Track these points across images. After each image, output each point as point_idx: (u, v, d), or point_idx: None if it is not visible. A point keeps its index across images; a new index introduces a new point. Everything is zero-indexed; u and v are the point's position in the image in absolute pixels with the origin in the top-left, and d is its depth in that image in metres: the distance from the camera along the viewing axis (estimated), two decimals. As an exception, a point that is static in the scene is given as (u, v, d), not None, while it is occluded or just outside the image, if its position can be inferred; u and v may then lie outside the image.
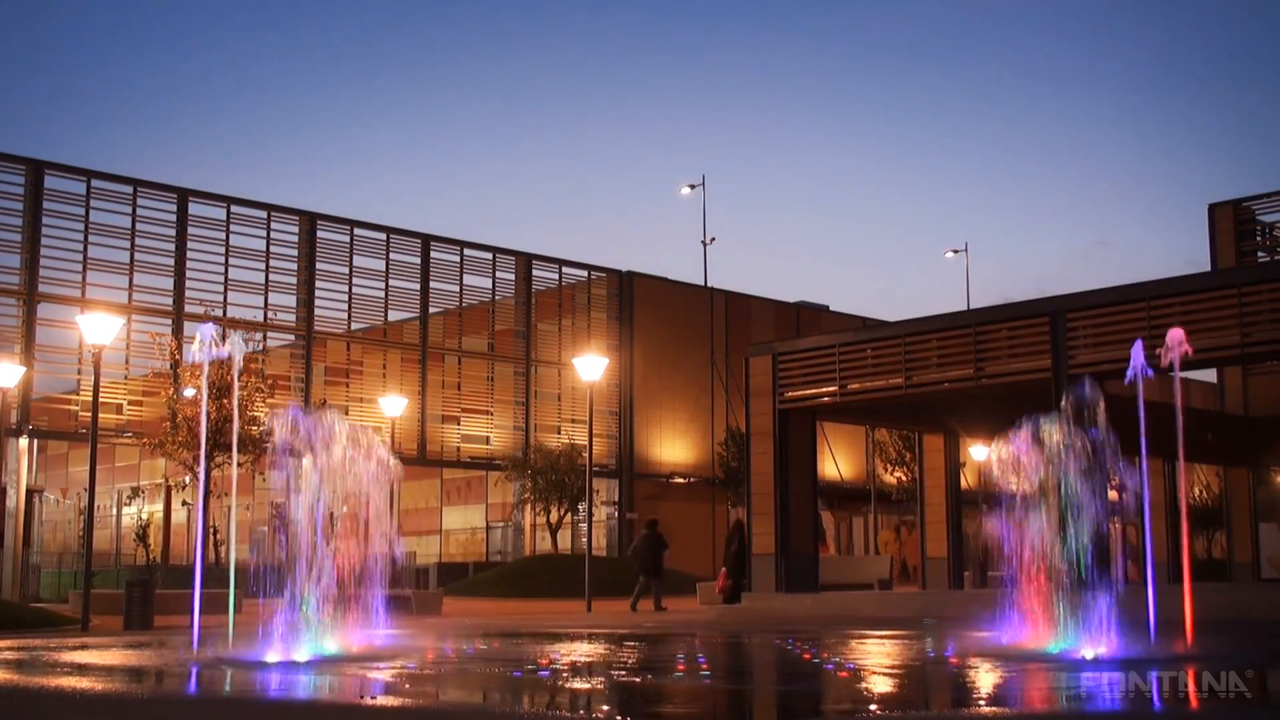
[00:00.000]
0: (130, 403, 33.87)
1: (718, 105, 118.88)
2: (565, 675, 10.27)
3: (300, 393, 35.47)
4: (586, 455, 29.38)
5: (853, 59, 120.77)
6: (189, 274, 34.64)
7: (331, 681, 9.84)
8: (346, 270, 37.73)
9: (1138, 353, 12.53)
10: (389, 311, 39.18)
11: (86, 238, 33.12)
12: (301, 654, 11.13)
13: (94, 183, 33.46)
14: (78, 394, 33.16)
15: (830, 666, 10.92)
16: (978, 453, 34.72)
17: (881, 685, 9.40)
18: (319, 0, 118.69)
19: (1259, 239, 34.79)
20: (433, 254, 39.68)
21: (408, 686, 9.45)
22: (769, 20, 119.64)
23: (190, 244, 34.76)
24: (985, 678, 9.76)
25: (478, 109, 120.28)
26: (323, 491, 11.77)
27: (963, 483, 31.46)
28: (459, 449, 39.94)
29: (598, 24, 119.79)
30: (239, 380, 28.72)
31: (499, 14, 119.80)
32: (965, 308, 42.03)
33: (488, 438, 40.57)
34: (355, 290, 37.91)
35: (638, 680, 10.11)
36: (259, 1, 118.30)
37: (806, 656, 12.21)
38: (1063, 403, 11.73)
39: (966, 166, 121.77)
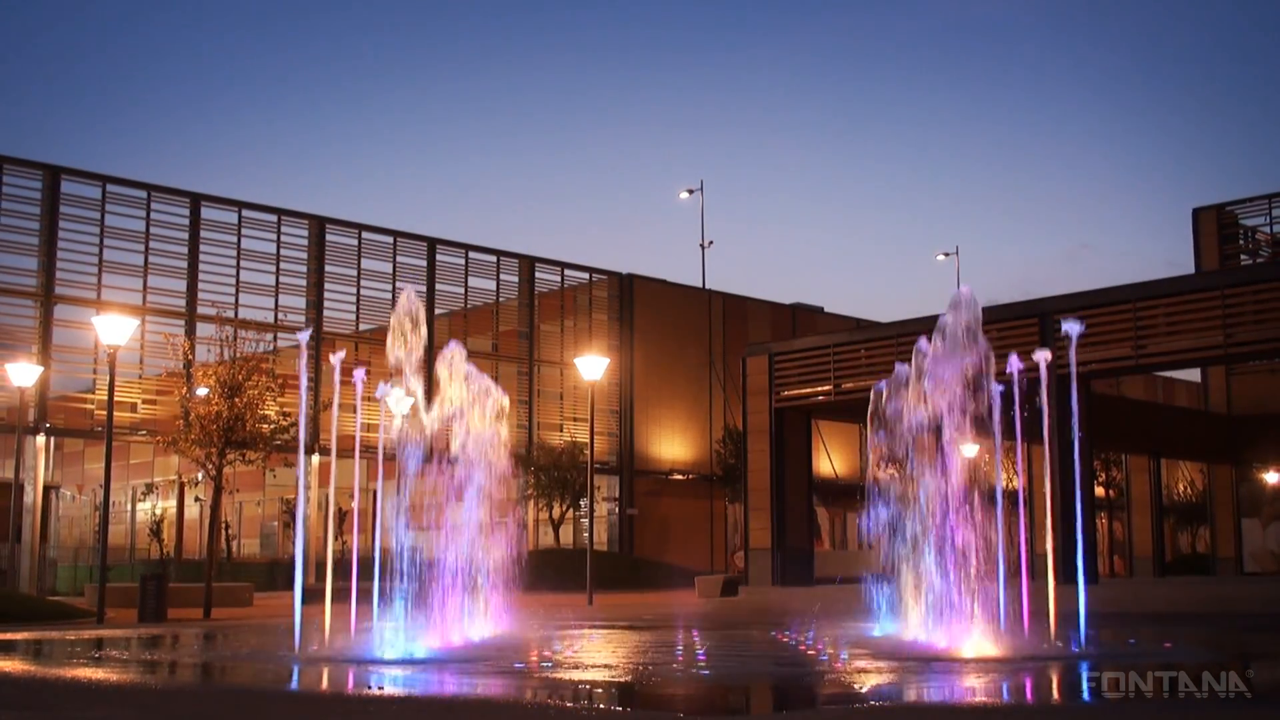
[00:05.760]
0: (144, 401, 34.50)
1: (716, 112, 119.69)
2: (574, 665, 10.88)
3: (310, 392, 36.18)
4: (588, 452, 30.07)
5: (847, 69, 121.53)
6: (201, 276, 35.30)
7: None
8: (355, 272, 38.42)
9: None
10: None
11: (102, 241, 33.76)
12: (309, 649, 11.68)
13: (109, 187, 34.09)
14: (93, 393, 33.82)
15: (824, 658, 11.57)
16: (968, 450, 35.55)
17: (870, 678, 9.85)
18: (327, 10, 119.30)
19: (1242, 242, 35.61)
20: (438, 257, 40.42)
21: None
22: (765, 30, 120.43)
23: (203, 247, 35.43)
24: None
25: (483, 116, 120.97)
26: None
27: (954, 479, 32.27)
28: (464, 447, 40.65)
29: (599, 35, 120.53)
30: (250, 380, 29.51)
31: (503, 24, 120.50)
32: (957, 309, 42.66)
33: (491, 436, 41.28)
34: (363, 292, 38.60)
35: (638, 670, 10.65)
36: (269, 11, 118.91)
37: (801, 648, 12.89)
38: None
39: (957, 172, 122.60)
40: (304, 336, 14.21)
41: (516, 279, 42.44)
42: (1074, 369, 12.12)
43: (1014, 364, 12.36)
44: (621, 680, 9.64)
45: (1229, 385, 34.75)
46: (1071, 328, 12.21)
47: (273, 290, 36.62)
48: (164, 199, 35.02)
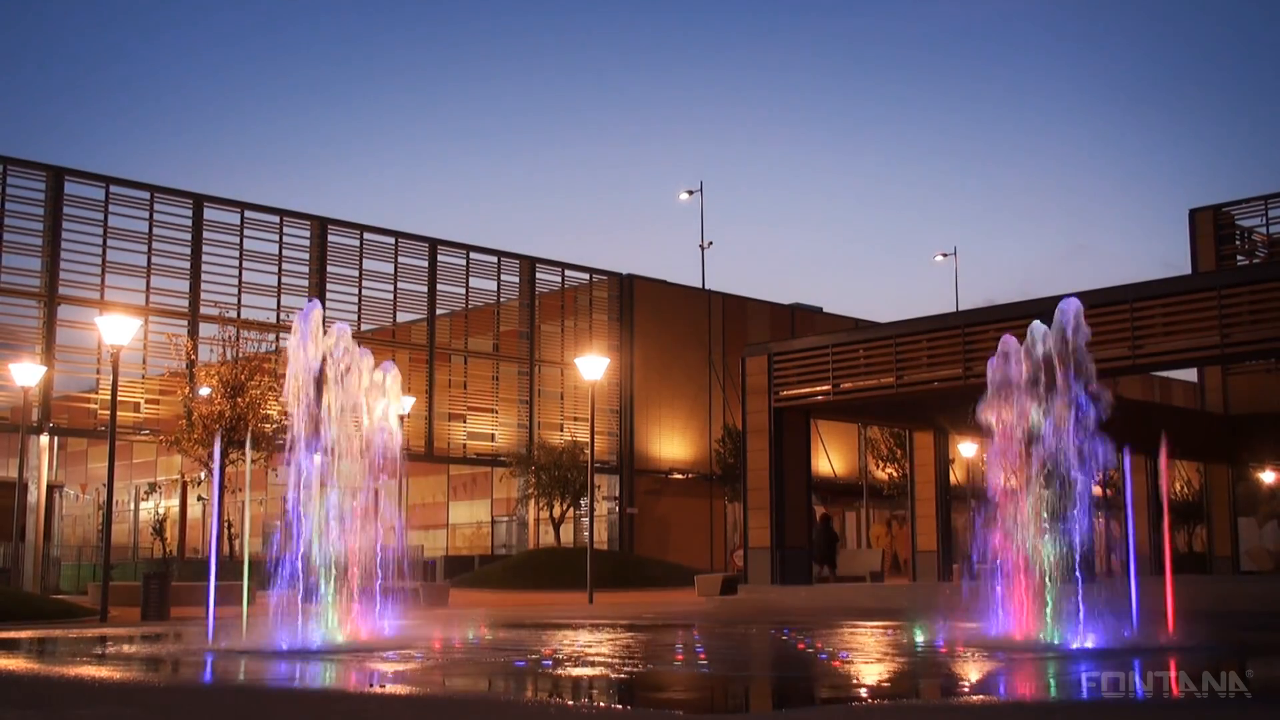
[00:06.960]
0: (147, 401, 34.68)
1: (715, 114, 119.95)
2: (571, 663, 11.01)
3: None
4: (588, 452, 30.22)
5: (846, 69, 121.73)
6: (204, 277, 35.47)
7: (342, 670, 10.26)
8: (356, 273, 38.57)
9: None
10: (398, 313, 40.02)
11: (105, 241, 33.95)
12: (314, 644, 11.72)
13: (112, 188, 34.27)
14: (96, 393, 33.97)
15: (824, 656, 11.70)
16: (966, 449, 35.70)
17: (869, 675, 9.95)
18: (330, 13, 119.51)
19: (1238, 243, 35.72)
20: (440, 257, 40.58)
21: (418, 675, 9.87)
22: (764, 33, 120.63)
23: (205, 247, 35.60)
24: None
25: (484, 118, 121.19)
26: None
27: (951, 478, 32.41)
28: (465, 446, 40.86)
29: (599, 36, 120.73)
30: (252, 380, 29.62)
31: (504, 27, 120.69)
32: (954, 310, 42.98)
33: (493, 435, 41.49)
34: (365, 292, 38.75)
35: (639, 668, 10.73)
36: (272, 14, 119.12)
37: (800, 646, 13.05)
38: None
39: (955, 173, 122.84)
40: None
41: (517, 279, 42.62)
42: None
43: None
44: (622, 678, 9.80)
45: (1226, 385, 34.86)
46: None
47: (275, 291, 36.79)
48: (167, 200, 35.20)
